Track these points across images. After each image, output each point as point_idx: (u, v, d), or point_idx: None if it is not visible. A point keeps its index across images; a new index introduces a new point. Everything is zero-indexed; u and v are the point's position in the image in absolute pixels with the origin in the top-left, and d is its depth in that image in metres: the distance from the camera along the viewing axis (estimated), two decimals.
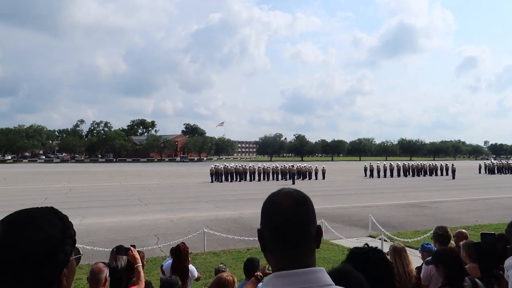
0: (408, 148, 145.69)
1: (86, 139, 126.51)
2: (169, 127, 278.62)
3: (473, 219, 15.46)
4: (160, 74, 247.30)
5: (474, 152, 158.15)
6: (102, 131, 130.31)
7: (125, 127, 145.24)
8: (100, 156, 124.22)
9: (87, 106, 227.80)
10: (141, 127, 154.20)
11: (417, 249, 7.09)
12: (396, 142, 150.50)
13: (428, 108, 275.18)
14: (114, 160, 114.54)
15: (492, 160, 67.52)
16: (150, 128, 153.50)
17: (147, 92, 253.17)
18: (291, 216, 1.11)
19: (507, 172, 53.20)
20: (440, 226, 4.92)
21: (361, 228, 13.80)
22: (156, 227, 14.40)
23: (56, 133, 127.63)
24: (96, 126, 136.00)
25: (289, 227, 1.10)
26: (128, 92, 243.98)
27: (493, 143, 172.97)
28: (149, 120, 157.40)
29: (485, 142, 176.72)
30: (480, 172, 51.93)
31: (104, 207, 19.69)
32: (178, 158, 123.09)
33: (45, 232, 0.99)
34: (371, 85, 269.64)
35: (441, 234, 4.68)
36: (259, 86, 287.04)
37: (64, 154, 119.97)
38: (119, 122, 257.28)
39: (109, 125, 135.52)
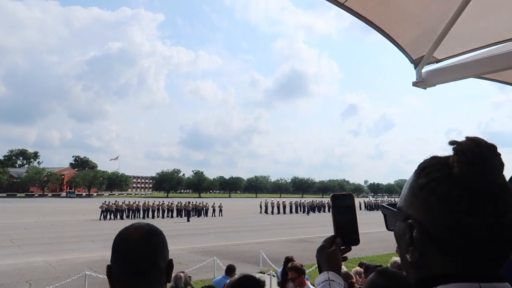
0: (300, 186, 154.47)
1: None
2: (55, 159, 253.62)
3: (353, 252, 16.73)
4: (46, 101, 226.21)
5: (356, 190, 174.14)
6: None
7: (1, 158, 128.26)
8: None
9: None
10: (21, 158, 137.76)
11: None
12: (289, 180, 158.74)
13: (317, 149, 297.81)
14: None
15: (371, 198, 75.21)
16: (32, 160, 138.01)
17: (30, 120, 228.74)
18: (139, 247, 1.10)
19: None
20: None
21: (253, 265, 13.97)
22: (29, 272, 12.72)
23: None
24: None
25: (136, 258, 1.09)
26: (6, 118, 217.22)
27: (372, 182, 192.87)
28: (31, 150, 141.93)
29: (365, 182, 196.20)
30: (361, 209, 57.13)
31: None
32: (64, 194, 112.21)
33: None
34: (267, 124, 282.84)
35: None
36: (157, 119, 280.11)
37: None
38: None
39: None
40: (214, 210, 41.77)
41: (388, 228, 0.81)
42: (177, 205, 40.11)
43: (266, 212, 47.03)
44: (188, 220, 34.38)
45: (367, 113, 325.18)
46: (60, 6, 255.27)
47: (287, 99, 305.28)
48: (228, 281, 6.17)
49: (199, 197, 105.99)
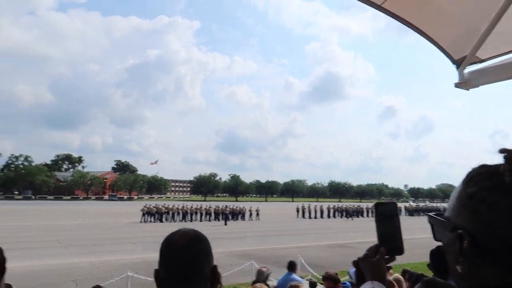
0: (337, 190, 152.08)
1: (1, 173, 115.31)
2: (98, 163, 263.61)
3: None
4: (88, 108, 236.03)
5: (395, 194, 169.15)
6: (21, 166, 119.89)
7: (49, 162, 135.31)
8: (17, 193, 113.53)
9: (4, 138, 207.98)
10: (66, 162, 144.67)
11: None
12: (326, 184, 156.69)
13: (354, 152, 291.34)
14: (33, 197, 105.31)
15: (411, 203, 72.80)
16: (76, 164, 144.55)
17: (74, 126, 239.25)
18: (184, 254, 1.13)
19: (424, 214, 57.47)
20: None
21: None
22: (75, 272, 13.31)
23: None
24: (14, 159, 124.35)
25: (181, 264, 1.12)
26: (52, 124, 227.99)
27: (412, 186, 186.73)
28: (76, 155, 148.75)
29: (405, 186, 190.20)
30: (401, 214, 55.43)
31: (14, 250, 17.77)
32: (106, 196, 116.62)
33: None
34: (302, 128, 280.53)
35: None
36: (193, 124, 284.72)
37: None
38: (41, 157, 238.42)
39: (29, 159, 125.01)
40: (251, 214, 41.97)
41: (435, 239, 0.78)
42: (214, 209, 40.65)
43: (303, 216, 46.66)
44: (225, 224, 34.72)
45: (405, 115, 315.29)
46: (101, 17, 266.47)
47: (322, 102, 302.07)
48: (292, 276, 6.98)
49: (236, 200, 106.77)
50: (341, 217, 49.36)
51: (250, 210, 42.16)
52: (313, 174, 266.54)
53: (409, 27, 2.38)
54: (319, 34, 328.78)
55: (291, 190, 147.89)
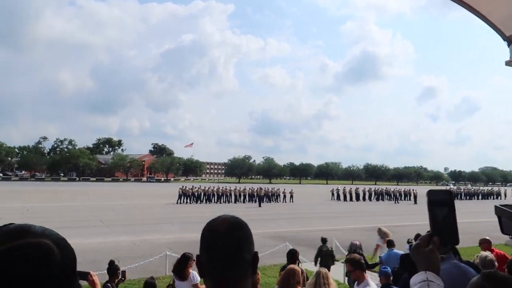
0: (373, 173, 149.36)
1: (48, 156, 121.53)
2: (135, 147, 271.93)
3: None
4: (126, 92, 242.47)
5: (435, 178, 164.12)
6: (65, 149, 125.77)
7: (91, 145, 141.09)
8: (62, 174, 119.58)
9: (50, 123, 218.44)
10: (107, 145, 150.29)
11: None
12: (361, 167, 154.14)
13: (391, 134, 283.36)
14: (77, 179, 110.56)
15: (452, 186, 70.38)
16: (116, 147, 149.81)
17: (113, 110, 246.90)
18: (225, 241, 1.12)
19: (465, 197, 55.48)
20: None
21: None
22: (116, 250, 13.92)
23: (16, 150, 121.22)
24: (59, 143, 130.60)
25: (222, 251, 1.11)
26: (93, 109, 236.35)
27: (453, 170, 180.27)
28: (115, 138, 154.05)
29: (445, 169, 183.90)
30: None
31: (62, 228, 18.69)
32: (145, 178, 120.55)
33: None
34: (337, 110, 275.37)
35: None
36: (227, 107, 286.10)
37: (23, 172, 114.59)
38: (84, 140, 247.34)
39: (73, 143, 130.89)
40: (284, 196, 42.15)
41: (504, 232, 0.73)
42: (248, 191, 41.10)
43: (338, 199, 46.37)
44: (259, 206, 35.09)
45: (447, 95, 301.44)
46: (138, 4, 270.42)
47: (357, 83, 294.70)
48: (394, 251, 7.47)
49: (270, 183, 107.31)
50: (377, 200, 48.61)
51: (284, 193, 42.32)
52: (348, 157, 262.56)
53: (456, 2, 2.23)
54: (355, 13, 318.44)
55: (326, 173, 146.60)
